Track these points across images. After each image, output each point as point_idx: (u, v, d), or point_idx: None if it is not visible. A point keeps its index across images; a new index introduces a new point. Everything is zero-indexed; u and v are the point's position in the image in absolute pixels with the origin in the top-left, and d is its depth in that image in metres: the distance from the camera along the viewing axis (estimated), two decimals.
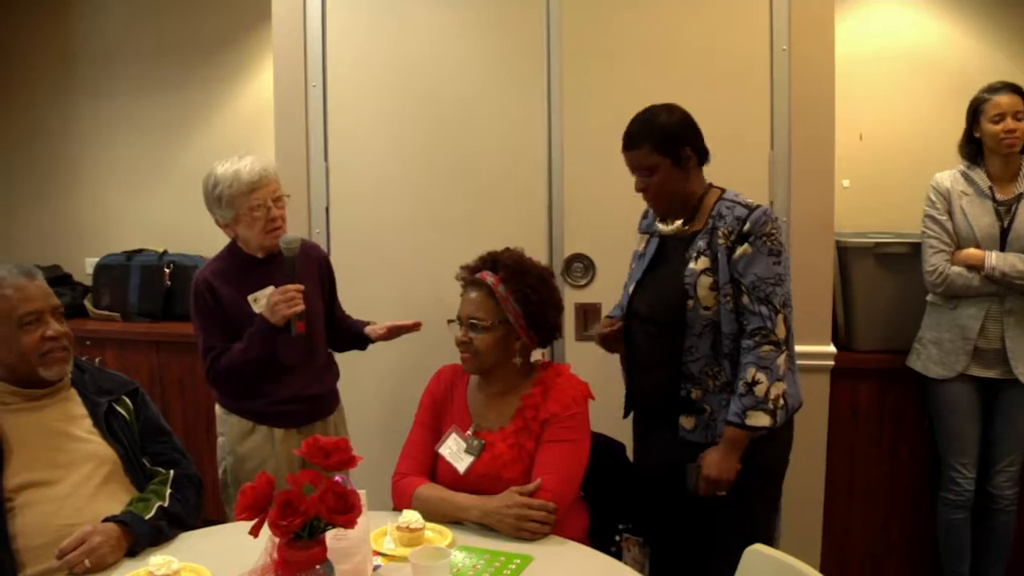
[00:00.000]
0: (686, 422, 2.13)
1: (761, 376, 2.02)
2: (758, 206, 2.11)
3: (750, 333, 2.05)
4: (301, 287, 2.27)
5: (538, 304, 2.07)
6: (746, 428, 2.03)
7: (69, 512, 1.80)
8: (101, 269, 3.88)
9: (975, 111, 2.70)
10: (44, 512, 1.79)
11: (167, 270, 3.76)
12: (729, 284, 2.07)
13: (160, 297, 3.74)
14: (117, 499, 1.87)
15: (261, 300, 2.32)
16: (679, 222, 2.15)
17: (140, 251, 3.91)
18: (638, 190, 2.16)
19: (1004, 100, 2.64)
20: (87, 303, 3.88)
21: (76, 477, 1.86)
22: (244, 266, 2.36)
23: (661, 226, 2.20)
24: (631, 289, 2.25)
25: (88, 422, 1.95)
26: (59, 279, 3.90)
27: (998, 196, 2.67)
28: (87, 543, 1.68)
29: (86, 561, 1.66)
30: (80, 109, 4.21)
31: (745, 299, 2.06)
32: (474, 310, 2.05)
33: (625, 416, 2.35)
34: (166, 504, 1.87)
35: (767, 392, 2.02)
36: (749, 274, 2.05)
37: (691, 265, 2.10)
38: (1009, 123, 2.62)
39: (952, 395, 2.72)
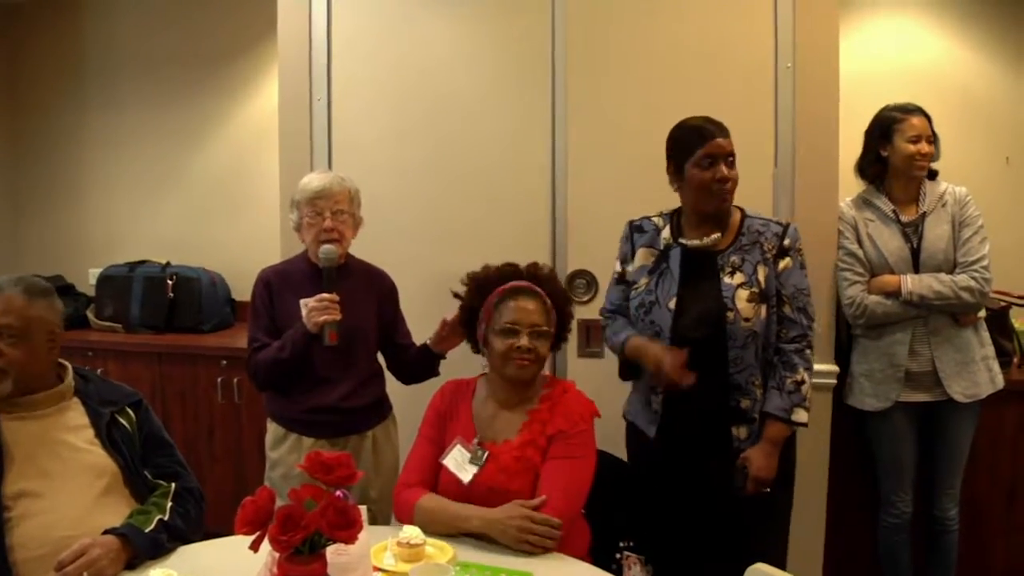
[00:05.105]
0: (739, 432, 2.18)
1: (807, 377, 2.18)
2: (787, 222, 2.25)
3: (794, 339, 2.19)
4: (336, 297, 2.31)
5: (566, 317, 2.21)
6: (791, 423, 2.16)
7: (67, 524, 1.79)
8: (104, 280, 3.88)
9: (886, 130, 2.66)
10: (42, 524, 1.79)
11: (170, 282, 3.76)
12: (775, 297, 2.18)
13: (162, 309, 3.75)
14: (117, 511, 1.86)
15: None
16: (716, 235, 2.19)
17: (143, 262, 3.91)
18: (720, 179, 2.14)
19: (919, 122, 2.62)
20: (89, 314, 3.88)
21: (73, 488, 1.85)
22: (305, 273, 2.43)
23: (690, 241, 2.21)
24: (671, 305, 2.18)
25: (89, 432, 1.94)
26: (62, 289, 3.90)
27: (903, 218, 2.64)
28: (86, 555, 1.67)
29: (85, 574, 1.64)
30: (86, 120, 4.24)
31: (787, 309, 2.19)
32: (538, 318, 2.09)
33: (657, 434, 2.25)
34: (166, 517, 1.86)
35: (808, 391, 2.19)
36: (790, 285, 2.19)
37: (727, 280, 2.16)
38: (924, 146, 2.61)
39: (890, 425, 2.69)
